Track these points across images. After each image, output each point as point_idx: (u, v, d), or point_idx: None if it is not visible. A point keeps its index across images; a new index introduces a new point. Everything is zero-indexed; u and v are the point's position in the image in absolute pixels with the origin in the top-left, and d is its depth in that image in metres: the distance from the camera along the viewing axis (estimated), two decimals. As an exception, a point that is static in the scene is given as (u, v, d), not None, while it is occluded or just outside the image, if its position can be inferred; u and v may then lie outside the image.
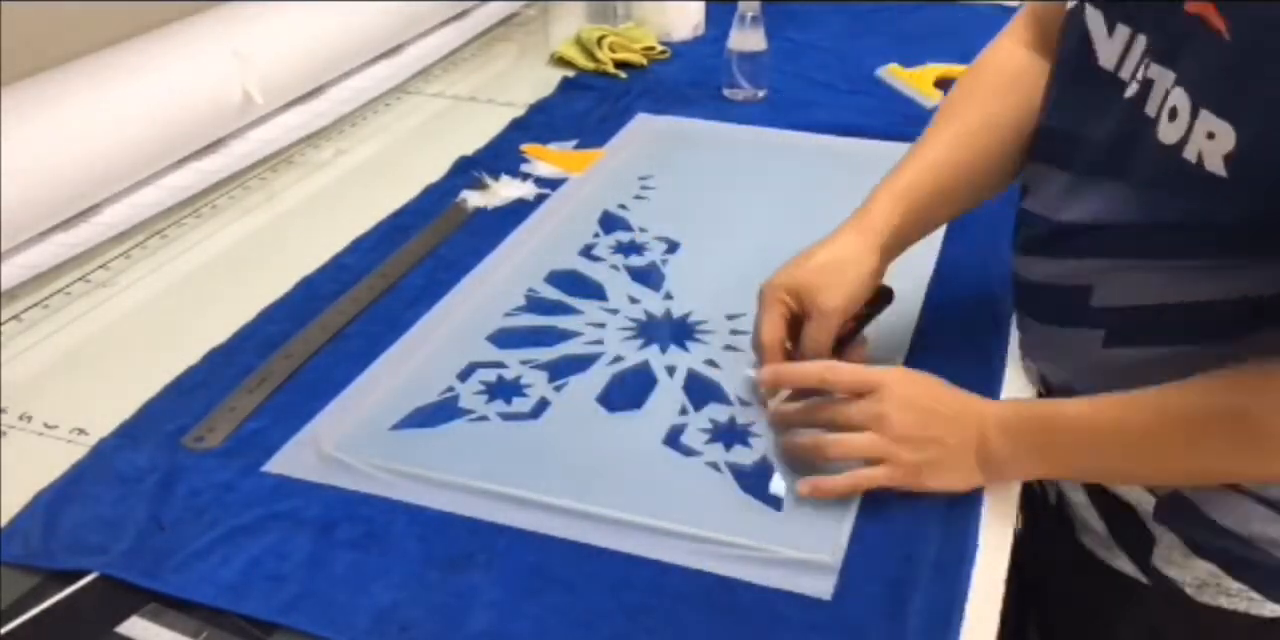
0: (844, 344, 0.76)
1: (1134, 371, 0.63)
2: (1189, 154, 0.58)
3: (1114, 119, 0.65)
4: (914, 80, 1.27)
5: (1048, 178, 0.70)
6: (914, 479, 0.66)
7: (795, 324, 0.75)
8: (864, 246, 0.75)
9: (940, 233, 0.92)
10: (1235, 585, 0.69)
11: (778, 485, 0.68)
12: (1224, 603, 0.69)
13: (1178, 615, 0.71)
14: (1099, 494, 0.73)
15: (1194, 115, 0.58)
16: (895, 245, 0.77)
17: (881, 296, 0.78)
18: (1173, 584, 0.71)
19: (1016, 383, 0.78)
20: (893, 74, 1.30)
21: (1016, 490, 0.69)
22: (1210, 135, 0.57)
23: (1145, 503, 0.70)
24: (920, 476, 0.66)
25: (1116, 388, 0.63)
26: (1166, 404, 0.61)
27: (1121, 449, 0.63)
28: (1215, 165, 0.57)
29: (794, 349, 0.75)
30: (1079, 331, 0.68)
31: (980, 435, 0.65)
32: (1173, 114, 0.59)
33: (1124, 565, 0.73)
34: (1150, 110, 0.62)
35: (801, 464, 0.68)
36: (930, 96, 1.23)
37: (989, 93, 0.78)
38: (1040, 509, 0.80)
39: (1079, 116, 0.68)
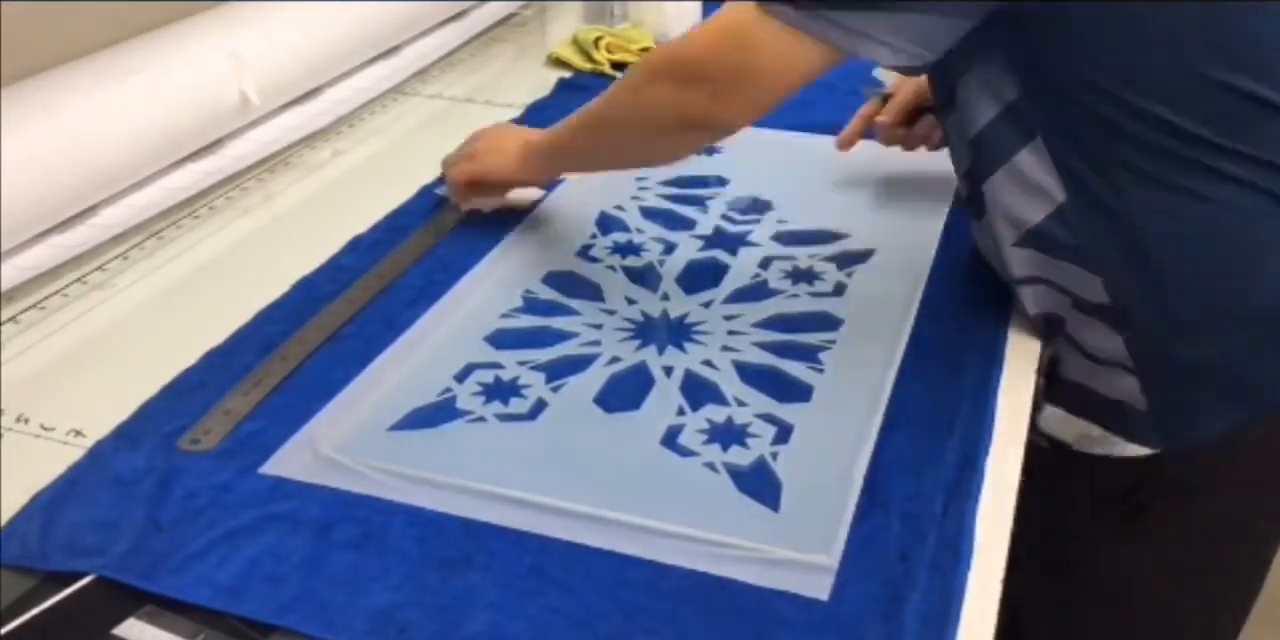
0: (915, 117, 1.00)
1: None
2: None
3: None
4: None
5: None
6: (477, 164, 0.96)
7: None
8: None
9: (950, 195, 0.99)
10: (1096, 430, 0.82)
11: (772, 500, 0.67)
12: (1093, 448, 0.83)
13: (1068, 468, 0.85)
14: None
15: None
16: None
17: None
18: (1054, 442, 0.85)
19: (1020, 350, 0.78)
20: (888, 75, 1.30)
21: (1015, 489, 0.69)
22: None
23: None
24: (480, 161, 0.95)
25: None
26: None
27: (586, 113, 0.86)
28: None
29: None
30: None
31: (529, 136, 0.94)
32: None
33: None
34: None
35: None
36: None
37: None
38: None
39: None
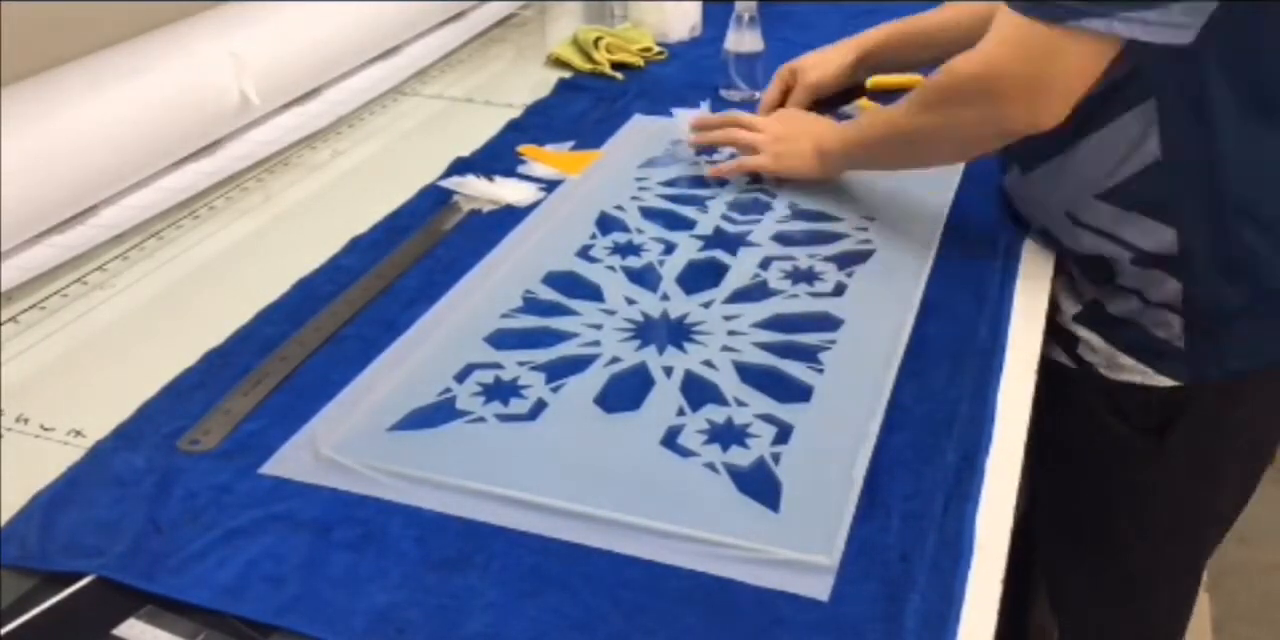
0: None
1: None
2: None
3: None
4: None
5: None
6: (775, 163, 1.02)
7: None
8: (848, 49, 1.15)
9: (951, 194, 1.02)
10: (1129, 360, 0.91)
11: (772, 500, 0.67)
12: (1124, 377, 0.92)
13: (1091, 389, 0.95)
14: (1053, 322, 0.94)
15: None
16: (876, 57, 1.15)
17: (854, 91, 1.18)
18: (1091, 367, 0.94)
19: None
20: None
21: (1015, 489, 0.69)
22: None
23: (1071, 310, 0.95)
24: (779, 161, 1.01)
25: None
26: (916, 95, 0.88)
27: (893, 129, 0.91)
28: None
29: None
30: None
31: (822, 133, 1.00)
32: None
33: (1060, 358, 0.96)
34: None
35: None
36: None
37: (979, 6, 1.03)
38: None
39: None
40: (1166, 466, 0.96)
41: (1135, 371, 0.91)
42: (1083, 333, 0.93)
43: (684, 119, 1.13)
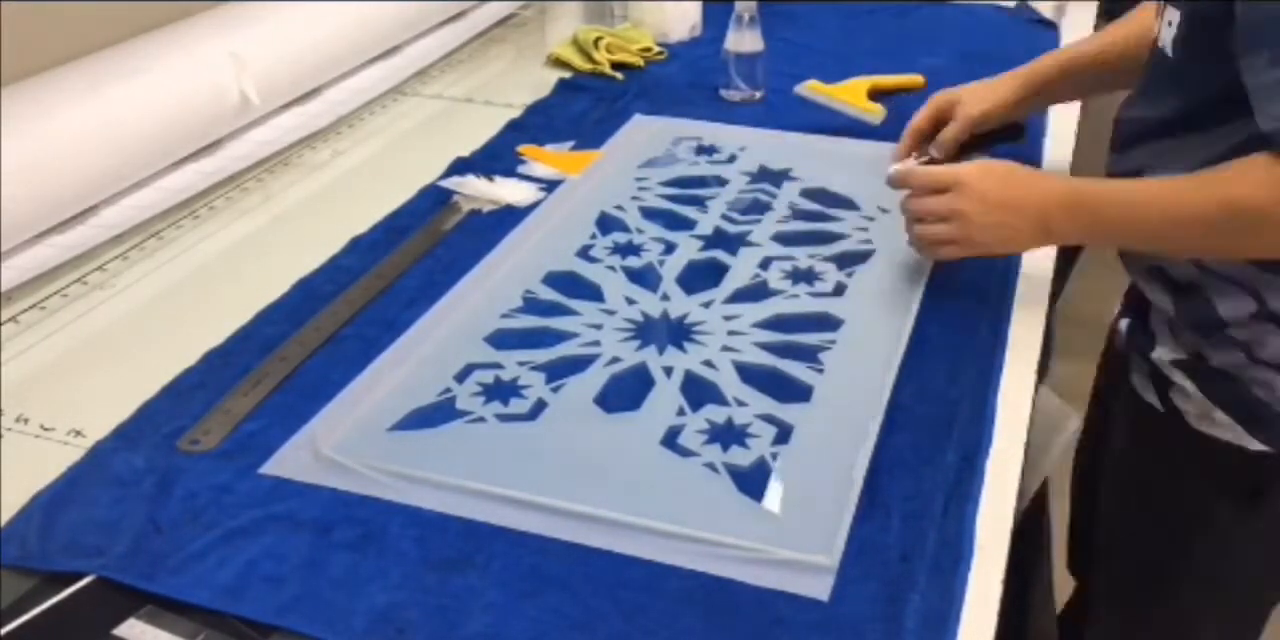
0: (965, 153, 1.00)
1: None
2: (1163, 43, 0.80)
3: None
4: (842, 94, 1.19)
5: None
6: (968, 250, 0.85)
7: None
8: (1011, 83, 1.02)
9: None
10: (1224, 417, 0.85)
11: (772, 500, 0.68)
12: (1215, 432, 0.86)
13: (1180, 438, 0.88)
14: (1146, 359, 0.90)
15: (1162, 12, 0.80)
16: (1041, 92, 1.02)
17: (1012, 129, 1.05)
18: (1180, 414, 0.87)
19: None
20: (813, 90, 1.20)
21: (1015, 489, 0.69)
22: (1169, 23, 0.79)
23: (1170, 354, 0.87)
24: (991, 251, 0.86)
25: None
26: (1198, 180, 0.76)
27: (1156, 217, 0.77)
28: (1167, 46, 0.79)
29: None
30: None
31: (1043, 214, 0.81)
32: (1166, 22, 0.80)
33: (1150, 398, 0.90)
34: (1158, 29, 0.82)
35: None
36: (866, 109, 1.16)
37: (1133, 25, 0.98)
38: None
39: None
40: (1251, 532, 0.90)
41: (1228, 429, 0.85)
42: (1178, 378, 0.87)
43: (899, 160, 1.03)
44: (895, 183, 0.89)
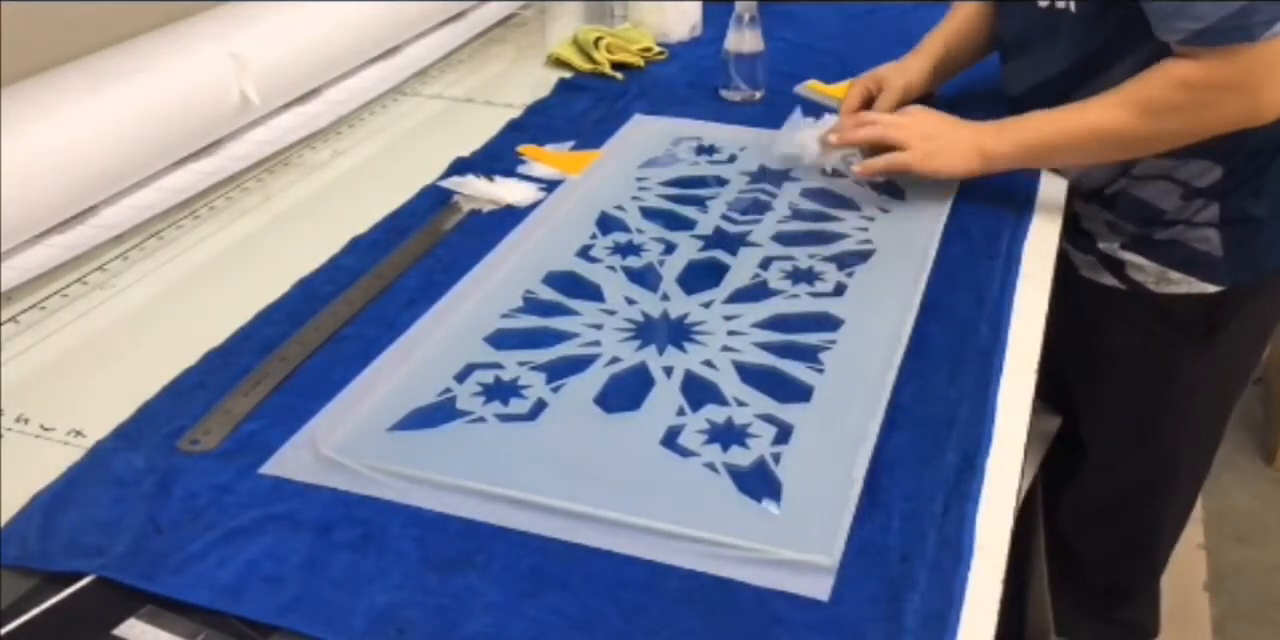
0: None
1: None
2: (1064, 4, 0.98)
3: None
4: (842, 94, 1.19)
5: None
6: (926, 161, 0.98)
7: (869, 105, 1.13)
8: (918, 59, 1.16)
9: (951, 194, 1.03)
10: (1177, 275, 1.05)
11: (772, 500, 0.68)
12: (1172, 289, 1.06)
13: (1143, 302, 1.08)
14: (1091, 250, 1.11)
15: None
16: (940, 63, 1.16)
17: (928, 98, 1.15)
18: (1140, 285, 1.08)
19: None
20: (813, 90, 1.25)
21: (1015, 489, 0.69)
22: None
23: (1115, 243, 1.08)
24: (932, 160, 0.98)
25: None
26: (1111, 92, 0.93)
27: (1076, 125, 0.94)
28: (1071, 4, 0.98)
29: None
30: None
31: (976, 135, 0.98)
32: None
33: (1107, 280, 1.10)
34: None
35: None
36: None
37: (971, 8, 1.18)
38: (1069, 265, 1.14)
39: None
40: (1214, 363, 1.11)
41: (1183, 283, 1.05)
42: (1129, 257, 1.06)
43: (802, 125, 1.08)
44: (851, 124, 1.03)
